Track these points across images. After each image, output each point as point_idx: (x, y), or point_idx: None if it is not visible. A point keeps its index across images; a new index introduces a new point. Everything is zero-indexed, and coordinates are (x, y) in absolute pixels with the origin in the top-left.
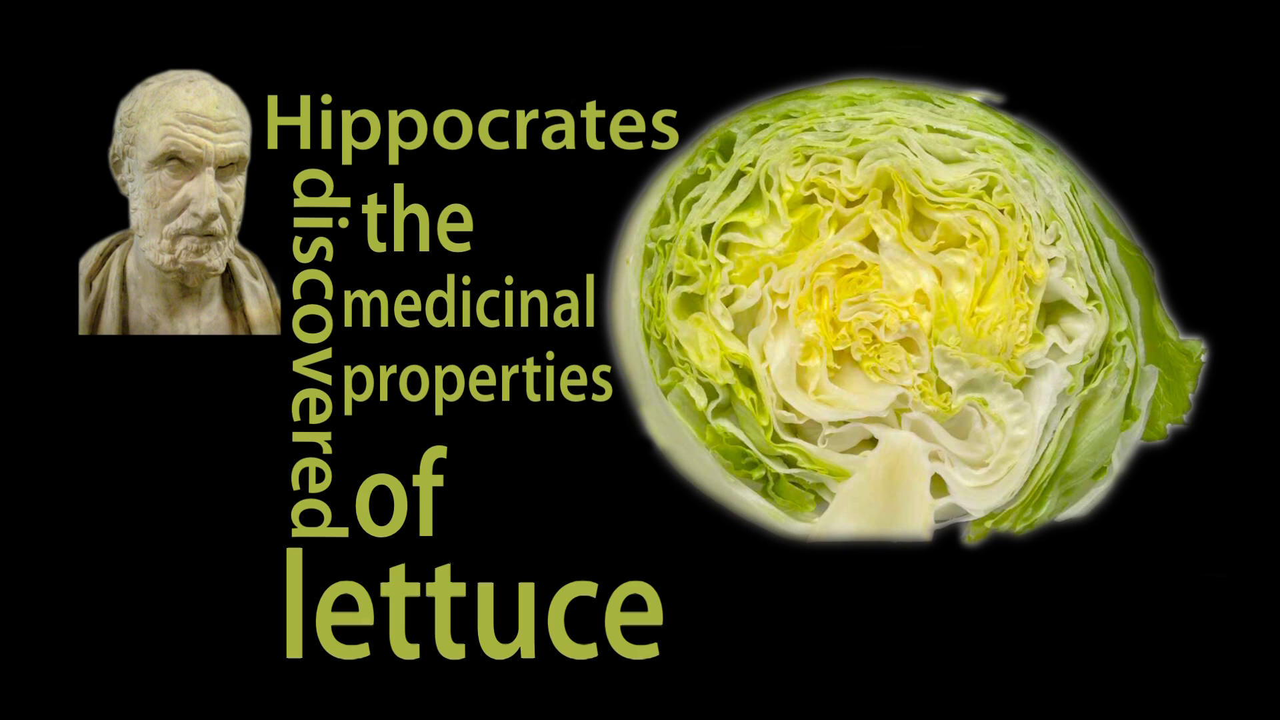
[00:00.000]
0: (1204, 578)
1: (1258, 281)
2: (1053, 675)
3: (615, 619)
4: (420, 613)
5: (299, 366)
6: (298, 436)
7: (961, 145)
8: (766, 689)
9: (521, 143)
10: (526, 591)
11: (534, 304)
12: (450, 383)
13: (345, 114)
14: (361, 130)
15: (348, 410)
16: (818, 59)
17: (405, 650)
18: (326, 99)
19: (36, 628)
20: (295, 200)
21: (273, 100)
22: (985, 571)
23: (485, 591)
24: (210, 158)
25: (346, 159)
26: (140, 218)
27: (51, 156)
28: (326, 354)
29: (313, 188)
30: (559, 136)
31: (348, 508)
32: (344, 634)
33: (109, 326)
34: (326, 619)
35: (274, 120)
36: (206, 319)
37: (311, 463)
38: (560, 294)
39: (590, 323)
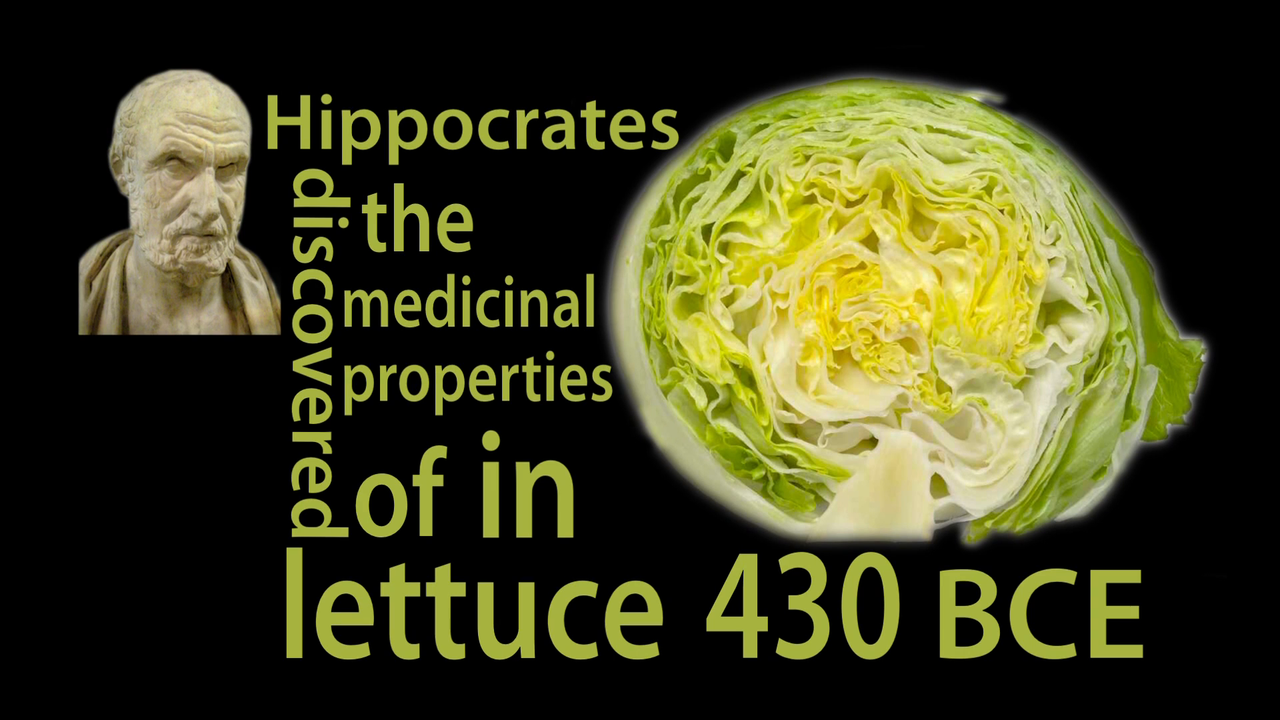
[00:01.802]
0: (1204, 578)
1: (1258, 281)
2: (1054, 676)
3: (615, 619)
4: (420, 613)
5: (299, 366)
6: (298, 436)
7: (961, 145)
8: (766, 689)
9: (521, 143)
10: (526, 591)
11: (534, 304)
12: (450, 383)
13: (345, 114)
14: (361, 130)
15: (348, 410)
16: (818, 59)
17: (405, 650)
18: (326, 99)
19: (37, 628)
20: (295, 200)
21: (273, 100)
22: (985, 571)
23: (485, 591)
24: (210, 158)
25: (346, 159)
26: (140, 218)
27: (51, 156)
28: (326, 354)
29: (313, 188)
30: (559, 136)
31: (348, 508)
32: (344, 634)
33: (109, 326)
34: (326, 619)
35: (274, 120)
36: (206, 319)
37: (311, 463)
38: (560, 294)
39: (590, 323)
